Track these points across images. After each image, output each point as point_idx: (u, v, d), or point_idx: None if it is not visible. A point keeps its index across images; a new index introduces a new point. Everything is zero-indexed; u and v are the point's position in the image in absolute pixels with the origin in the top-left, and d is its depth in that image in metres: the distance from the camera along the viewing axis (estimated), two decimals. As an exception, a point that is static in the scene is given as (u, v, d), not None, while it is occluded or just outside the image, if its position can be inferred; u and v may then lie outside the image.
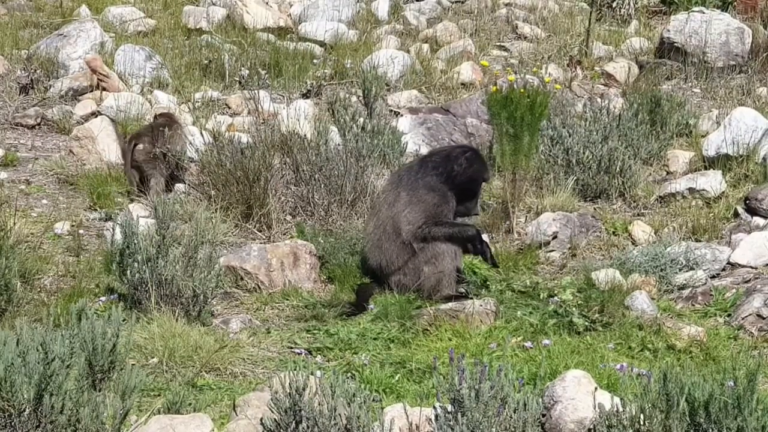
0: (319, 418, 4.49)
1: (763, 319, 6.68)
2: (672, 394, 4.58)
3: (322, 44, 12.16)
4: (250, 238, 8.01)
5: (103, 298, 6.75)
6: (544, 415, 5.06)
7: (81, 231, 7.92)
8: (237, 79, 11.06)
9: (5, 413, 4.43)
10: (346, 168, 8.35)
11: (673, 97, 10.20)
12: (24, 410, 4.45)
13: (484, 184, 7.55)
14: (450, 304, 6.67)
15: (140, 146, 8.58)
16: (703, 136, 9.68)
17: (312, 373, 4.77)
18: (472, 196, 7.31)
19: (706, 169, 9.14)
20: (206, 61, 11.33)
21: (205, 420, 4.94)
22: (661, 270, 7.40)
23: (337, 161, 8.41)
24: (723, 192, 8.78)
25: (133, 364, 5.64)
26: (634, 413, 4.65)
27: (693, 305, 7.11)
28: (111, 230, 6.90)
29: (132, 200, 8.37)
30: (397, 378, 5.96)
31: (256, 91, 10.17)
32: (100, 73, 10.44)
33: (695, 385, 4.59)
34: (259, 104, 9.85)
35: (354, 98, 10.14)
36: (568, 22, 12.87)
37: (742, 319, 6.72)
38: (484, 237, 7.47)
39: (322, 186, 8.33)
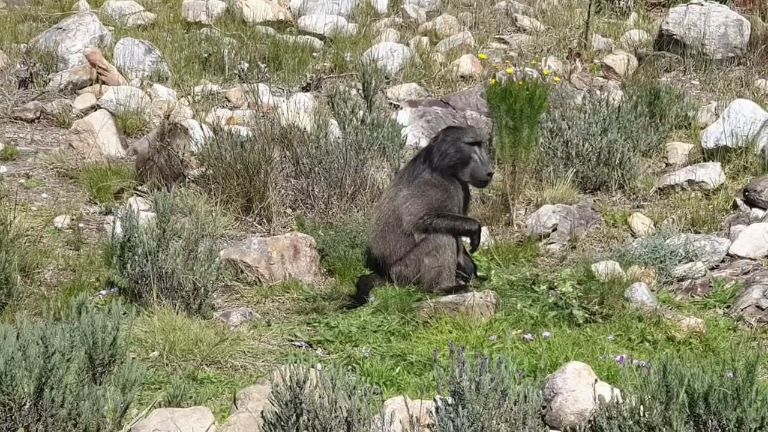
0: (319, 411, 4.50)
1: (762, 310, 6.69)
2: (671, 385, 4.59)
3: (321, 37, 12.16)
4: (250, 231, 8.02)
5: (103, 292, 6.75)
6: (544, 407, 5.08)
7: (81, 225, 7.92)
8: (237, 72, 11.05)
9: (6, 407, 4.43)
10: (345, 161, 8.35)
11: (672, 89, 10.20)
12: (24, 404, 4.46)
13: (476, 146, 7.10)
14: (450, 297, 6.66)
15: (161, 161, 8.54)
16: (702, 128, 9.69)
17: (312, 366, 4.77)
18: (466, 164, 7.07)
19: (705, 160, 9.14)
20: (206, 55, 11.32)
21: (206, 413, 4.95)
22: (661, 262, 7.41)
23: (336, 154, 8.42)
24: (722, 184, 8.78)
25: (133, 358, 5.66)
26: (633, 404, 4.66)
27: (692, 297, 7.11)
28: (111, 224, 6.90)
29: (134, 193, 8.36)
30: (397, 370, 5.96)
31: (255, 85, 10.17)
32: (100, 67, 10.44)
33: (695, 376, 4.60)
34: (259, 97, 9.85)
35: (354, 91, 10.13)
36: (568, 15, 12.87)
37: (742, 310, 6.73)
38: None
39: (322, 179, 8.33)
